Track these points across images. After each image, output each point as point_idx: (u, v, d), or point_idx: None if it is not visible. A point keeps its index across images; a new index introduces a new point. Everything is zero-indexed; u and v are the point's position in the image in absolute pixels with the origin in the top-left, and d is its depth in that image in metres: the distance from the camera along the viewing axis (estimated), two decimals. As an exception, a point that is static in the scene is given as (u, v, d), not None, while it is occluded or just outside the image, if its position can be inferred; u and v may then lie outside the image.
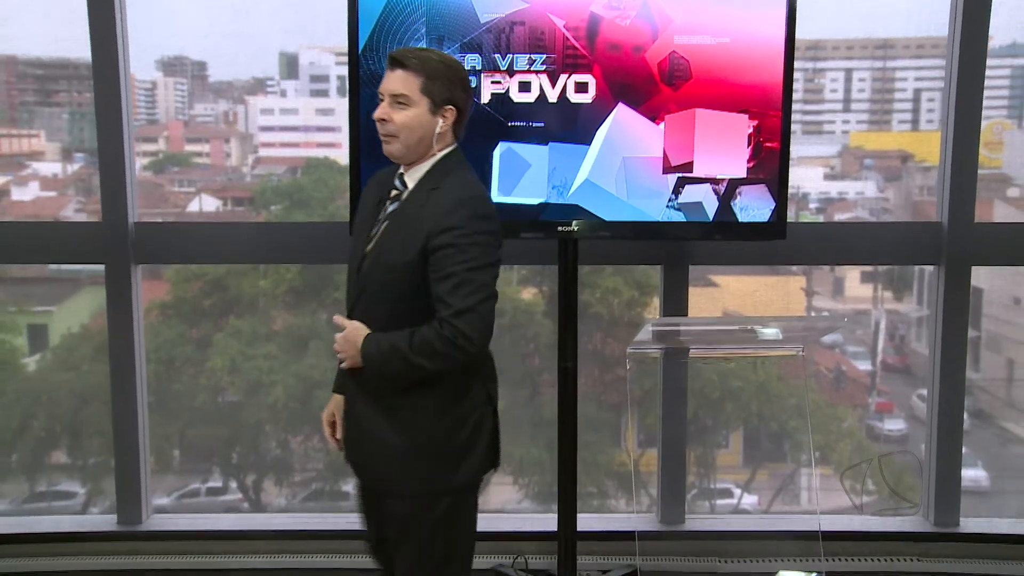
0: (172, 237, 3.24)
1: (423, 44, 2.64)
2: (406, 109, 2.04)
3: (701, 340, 2.63)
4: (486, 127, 2.66)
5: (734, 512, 4.31)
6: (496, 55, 2.65)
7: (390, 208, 2.11)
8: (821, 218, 4.42)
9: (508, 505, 4.23)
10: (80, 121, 4.50)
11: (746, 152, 2.66)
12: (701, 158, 2.66)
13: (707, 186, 2.68)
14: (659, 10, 2.61)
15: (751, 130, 2.65)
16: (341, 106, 3.89)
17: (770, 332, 2.72)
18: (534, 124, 2.67)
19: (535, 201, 2.70)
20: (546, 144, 2.67)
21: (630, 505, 4.36)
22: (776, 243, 2.75)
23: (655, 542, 3.13)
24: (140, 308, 3.16)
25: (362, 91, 2.66)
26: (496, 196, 2.69)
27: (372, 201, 2.18)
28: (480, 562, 3.10)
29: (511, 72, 2.65)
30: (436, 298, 1.98)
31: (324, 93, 4.30)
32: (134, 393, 3.22)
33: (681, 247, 3.05)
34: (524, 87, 2.66)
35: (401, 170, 2.12)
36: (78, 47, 3.70)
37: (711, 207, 2.68)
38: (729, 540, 3.15)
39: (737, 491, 4.58)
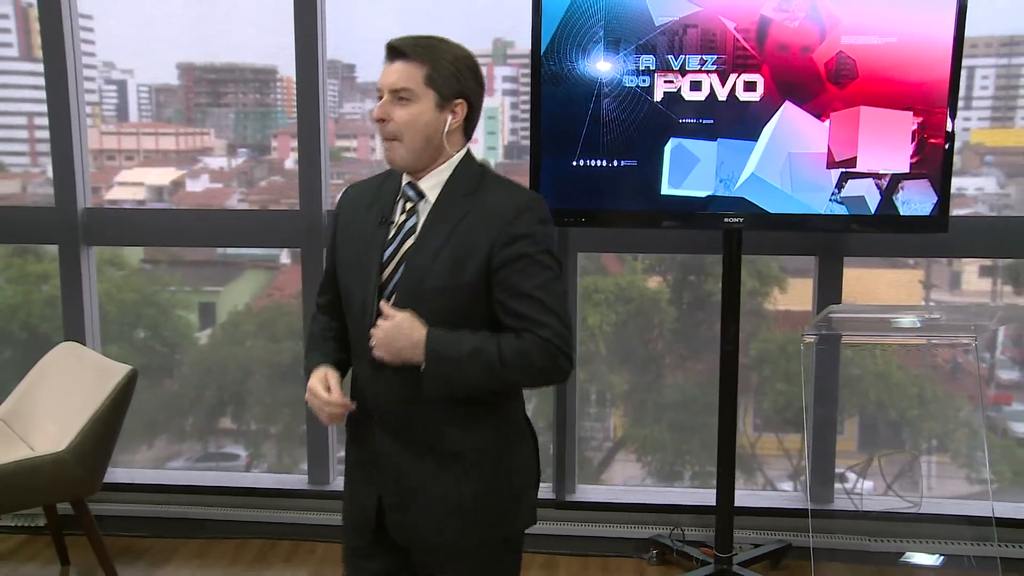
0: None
1: (600, 47, 2.69)
2: (408, 105, 1.65)
3: (876, 328, 2.61)
4: (658, 124, 2.70)
5: (847, 495, 4.25)
6: (669, 56, 2.68)
7: (409, 222, 1.70)
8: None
9: (631, 481, 4.26)
10: (243, 120, 4.68)
11: (910, 148, 2.64)
12: (865, 153, 2.65)
13: (870, 180, 2.66)
14: (827, 12, 2.60)
15: (915, 127, 2.63)
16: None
17: (908, 321, 2.70)
18: (704, 121, 2.69)
19: (703, 194, 2.72)
20: (715, 140, 2.69)
21: (748, 484, 4.35)
22: (929, 236, 2.72)
23: (806, 520, 3.12)
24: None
25: (543, 90, 2.73)
26: (666, 189, 2.73)
27: (371, 218, 1.74)
28: (638, 532, 3.18)
29: (683, 72, 2.68)
30: (516, 315, 1.63)
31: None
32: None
33: (836, 239, 3.04)
34: (695, 86, 2.68)
35: (406, 179, 1.73)
36: (243, 53, 3.88)
37: (873, 201, 2.67)
38: (894, 522, 3.14)
39: (852, 476, 4.51)
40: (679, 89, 2.68)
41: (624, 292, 3.77)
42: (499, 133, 4.02)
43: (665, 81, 2.69)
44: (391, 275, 1.69)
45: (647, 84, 2.69)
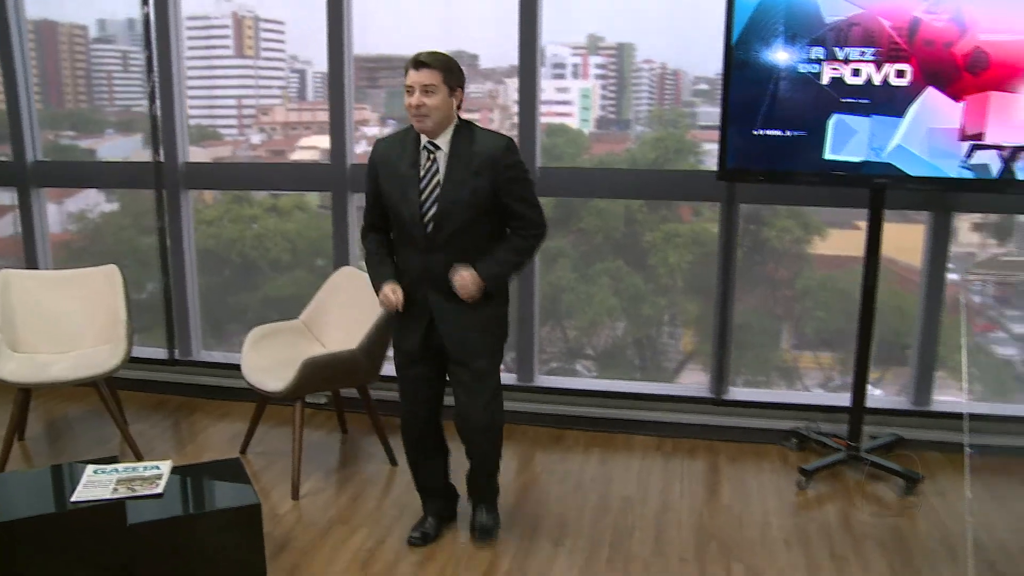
0: (564, 178, 3.59)
1: (780, 40, 2.84)
2: (433, 95, 2.23)
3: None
4: (824, 103, 2.86)
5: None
6: (836, 48, 2.83)
7: (433, 165, 2.30)
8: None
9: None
10: (392, 98, 4.81)
11: (1029, 125, 2.78)
12: (992, 130, 2.80)
13: (994, 151, 2.83)
14: (969, 14, 2.74)
15: (1034, 108, 2.77)
16: (574, 86, 4.05)
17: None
18: (861, 101, 2.85)
19: (857, 159, 2.90)
20: (869, 116, 2.86)
21: (792, 389, 4.46)
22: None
23: (908, 417, 3.34)
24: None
25: (732, 74, 2.89)
26: (828, 154, 2.90)
27: (403, 164, 2.33)
28: (781, 424, 3.39)
29: (846, 61, 2.83)
30: (515, 214, 2.34)
31: (562, 76, 4.46)
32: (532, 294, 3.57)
33: (945, 197, 3.20)
34: (855, 73, 2.84)
35: (424, 140, 2.30)
36: (392, 46, 4.02)
37: (996, 168, 2.84)
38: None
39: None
40: (842, 75, 2.84)
41: (698, 237, 3.88)
42: (591, 108, 4.14)
43: (831, 68, 2.85)
44: (426, 201, 2.30)
45: (817, 71, 2.85)
